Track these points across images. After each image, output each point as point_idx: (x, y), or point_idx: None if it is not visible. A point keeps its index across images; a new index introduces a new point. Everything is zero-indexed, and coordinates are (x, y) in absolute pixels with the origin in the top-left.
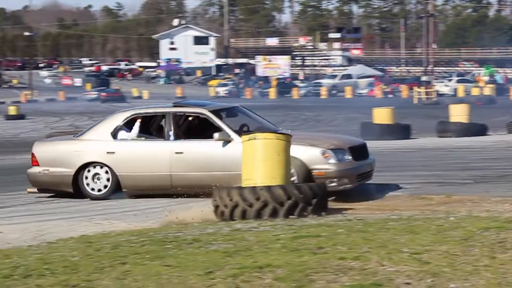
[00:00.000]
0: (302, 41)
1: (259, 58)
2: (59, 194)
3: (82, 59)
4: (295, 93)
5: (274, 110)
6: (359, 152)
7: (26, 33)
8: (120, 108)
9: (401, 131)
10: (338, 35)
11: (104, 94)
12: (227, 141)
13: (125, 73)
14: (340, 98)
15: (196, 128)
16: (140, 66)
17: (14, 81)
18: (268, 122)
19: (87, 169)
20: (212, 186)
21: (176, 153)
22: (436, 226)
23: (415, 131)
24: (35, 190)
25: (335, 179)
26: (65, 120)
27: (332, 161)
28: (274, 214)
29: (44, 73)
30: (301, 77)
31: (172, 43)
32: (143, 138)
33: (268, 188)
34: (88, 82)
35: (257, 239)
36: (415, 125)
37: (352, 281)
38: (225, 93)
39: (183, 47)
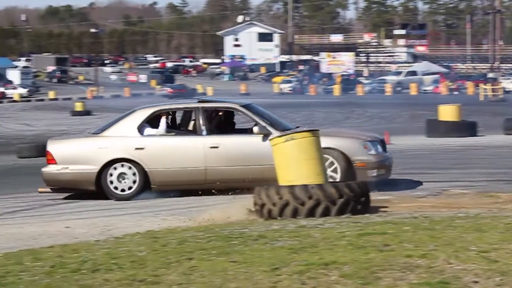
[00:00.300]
0: (366, 37)
1: (323, 54)
2: (75, 194)
3: (147, 55)
4: (359, 90)
5: (338, 107)
6: (384, 145)
7: (92, 30)
8: None
9: (467, 128)
10: (403, 32)
11: (171, 90)
12: (265, 134)
13: (189, 69)
14: (405, 95)
15: (224, 123)
16: (205, 63)
17: (80, 78)
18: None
19: (112, 167)
20: (247, 180)
21: (211, 147)
22: (504, 225)
23: (481, 129)
24: (48, 190)
25: (374, 170)
26: None
27: (372, 152)
28: (326, 213)
29: (108, 69)
30: (365, 74)
31: (236, 39)
32: (173, 134)
33: (320, 186)
34: (153, 78)
35: (322, 236)
36: (481, 122)
37: (419, 279)
38: (289, 90)
39: (247, 44)
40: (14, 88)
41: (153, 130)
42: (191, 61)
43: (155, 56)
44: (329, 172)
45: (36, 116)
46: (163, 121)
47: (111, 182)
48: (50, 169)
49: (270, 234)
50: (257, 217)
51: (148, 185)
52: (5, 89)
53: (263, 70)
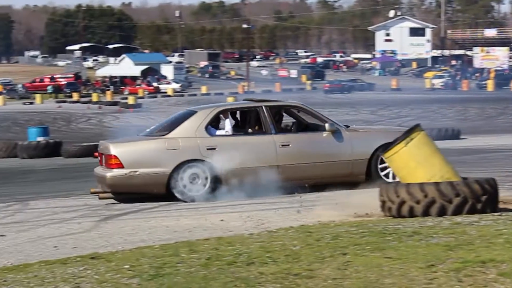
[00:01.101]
0: None
1: (476, 49)
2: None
3: (297, 51)
4: None
5: (491, 103)
6: None
7: (244, 26)
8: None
9: None
10: None
11: (327, 85)
12: (335, 131)
13: (340, 64)
14: None
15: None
16: (355, 58)
17: (232, 73)
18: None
19: (183, 168)
20: (318, 177)
21: (282, 145)
22: None
23: None
24: (102, 191)
25: None
26: None
27: None
28: (441, 211)
29: (254, 63)
30: None
31: (387, 34)
32: (242, 133)
33: (436, 184)
34: (303, 73)
35: (478, 234)
36: None
37: None
38: (441, 85)
39: (399, 39)
40: (168, 83)
41: (221, 130)
42: (341, 56)
43: (305, 51)
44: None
45: None
46: (228, 121)
47: (183, 184)
48: (117, 173)
49: (424, 231)
50: (384, 215)
51: (219, 185)
52: (159, 84)
53: (414, 65)
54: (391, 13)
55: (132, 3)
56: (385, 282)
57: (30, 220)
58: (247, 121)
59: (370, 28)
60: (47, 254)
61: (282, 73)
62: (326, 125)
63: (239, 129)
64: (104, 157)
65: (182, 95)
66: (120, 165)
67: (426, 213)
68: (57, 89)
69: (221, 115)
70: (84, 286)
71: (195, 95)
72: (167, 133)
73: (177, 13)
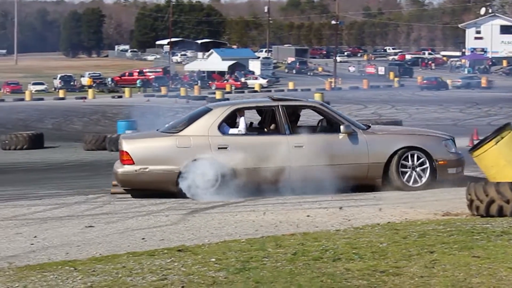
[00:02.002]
0: None
1: None
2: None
3: (386, 47)
4: None
5: None
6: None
7: (333, 22)
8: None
9: None
10: None
11: (424, 82)
12: (351, 133)
13: (428, 62)
14: None
15: (297, 121)
16: (444, 56)
17: (319, 69)
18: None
19: (192, 167)
20: (329, 178)
21: (295, 146)
22: None
23: None
24: (121, 190)
25: (454, 168)
26: (369, 108)
27: (452, 150)
28: None
29: (338, 58)
30: None
31: (478, 32)
32: (256, 132)
33: None
34: (391, 70)
35: None
36: None
37: None
38: None
39: (489, 36)
40: (255, 78)
41: (235, 129)
42: (430, 54)
43: (393, 48)
44: (418, 169)
45: None
46: (242, 119)
47: (192, 182)
48: (127, 169)
49: None
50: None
51: (229, 185)
52: (246, 79)
53: (504, 63)
54: (482, 10)
55: None
56: (473, 281)
57: (119, 211)
58: (263, 120)
59: (460, 25)
60: (135, 246)
61: (370, 69)
62: (341, 127)
63: (255, 128)
64: (119, 152)
65: (269, 91)
66: (131, 162)
67: (487, 212)
68: (146, 83)
69: (237, 113)
70: (171, 278)
71: (282, 90)
72: (180, 130)
73: (265, 9)
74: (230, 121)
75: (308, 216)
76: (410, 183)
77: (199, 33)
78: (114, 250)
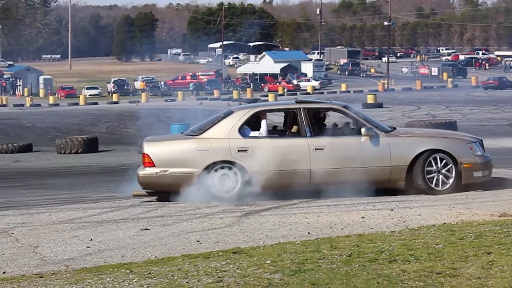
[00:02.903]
0: None
1: None
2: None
3: (439, 48)
4: None
5: None
6: (483, 146)
7: (385, 23)
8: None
9: None
10: None
11: (490, 81)
12: (373, 136)
13: (482, 62)
14: None
15: (323, 124)
16: (498, 55)
17: (372, 70)
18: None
19: (214, 169)
20: (352, 182)
21: (316, 149)
22: None
23: None
24: (143, 193)
25: (480, 171)
26: (422, 109)
27: (478, 153)
28: None
29: (377, 61)
30: None
31: None
32: (276, 135)
33: None
34: (445, 71)
35: None
36: None
37: None
38: None
39: None
40: (308, 80)
41: (256, 132)
42: (484, 54)
43: (447, 49)
44: (444, 171)
45: None
46: (264, 122)
47: (213, 185)
48: (148, 172)
49: None
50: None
51: (250, 188)
52: (299, 81)
53: None
54: None
55: (273, 1)
56: None
57: (173, 214)
58: (285, 122)
59: None
60: (190, 248)
61: (423, 70)
62: (363, 129)
63: (278, 130)
64: (142, 155)
65: (322, 93)
66: (152, 164)
67: None
68: (198, 87)
69: (260, 116)
70: (227, 280)
71: (335, 92)
72: (201, 133)
73: (317, 11)
74: (253, 123)
75: (362, 217)
76: (438, 187)
77: (251, 36)
78: (170, 253)
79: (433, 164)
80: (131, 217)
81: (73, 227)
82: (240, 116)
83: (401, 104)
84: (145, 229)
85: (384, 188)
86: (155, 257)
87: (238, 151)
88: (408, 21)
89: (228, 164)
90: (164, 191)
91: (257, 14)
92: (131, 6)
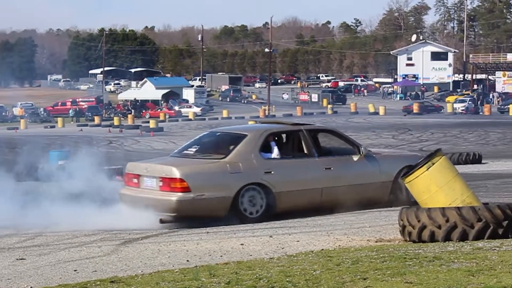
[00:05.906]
0: None
1: (498, 74)
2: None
3: (319, 75)
4: None
5: None
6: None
7: (266, 50)
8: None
9: None
10: None
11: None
12: (367, 154)
13: (361, 89)
14: None
15: (319, 145)
16: (377, 82)
17: (253, 97)
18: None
19: (244, 191)
20: (356, 199)
21: (326, 168)
22: None
23: None
24: (170, 218)
25: None
26: None
27: None
28: (463, 236)
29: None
30: None
31: (409, 58)
32: (290, 156)
33: (458, 209)
34: (324, 97)
35: (500, 259)
36: None
37: None
38: (462, 110)
39: (421, 63)
40: (189, 106)
41: (269, 154)
42: (362, 80)
43: (326, 75)
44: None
45: None
46: (273, 144)
47: (244, 207)
48: (184, 197)
49: (446, 256)
50: (405, 240)
51: (274, 208)
52: (180, 107)
53: (435, 89)
54: (414, 37)
55: (155, 27)
56: None
57: (50, 243)
58: (287, 144)
59: (392, 52)
60: (67, 278)
61: (303, 97)
62: (362, 148)
63: (281, 152)
64: (163, 180)
65: (204, 119)
66: (187, 189)
67: (447, 238)
68: (79, 113)
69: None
70: None
71: (216, 118)
72: (223, 157)
73: (199, 37)
74: (264, 146)
75: (242, 244)
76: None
77: (133, 62)
78: (46, 283)
79: None
80: (7, 246)
81: None
82: (257, 138)
83: None
84: (21, 259)
85: (370, 203)
86: (31, 287)
87: (265, 172)
88: (288, 48)
89: (257, 186)
90: (197, 216)
91: (138, 40)
92: (10, 31)
